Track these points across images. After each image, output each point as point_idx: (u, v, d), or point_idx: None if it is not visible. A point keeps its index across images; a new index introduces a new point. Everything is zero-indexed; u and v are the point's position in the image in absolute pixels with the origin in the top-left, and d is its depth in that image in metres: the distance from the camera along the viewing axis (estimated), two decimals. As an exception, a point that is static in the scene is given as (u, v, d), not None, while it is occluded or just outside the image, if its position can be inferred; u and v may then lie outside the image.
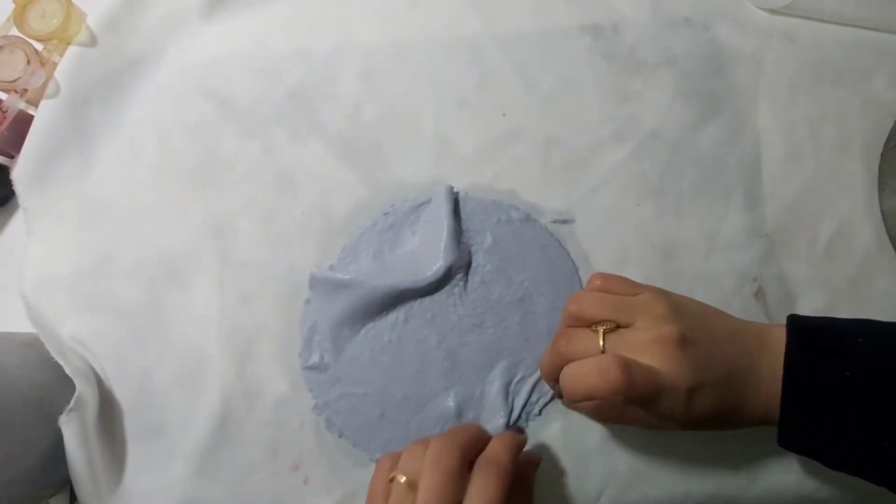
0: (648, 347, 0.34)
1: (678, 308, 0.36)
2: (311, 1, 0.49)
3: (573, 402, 0.37)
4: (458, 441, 0.35)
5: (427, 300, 0.43)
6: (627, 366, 0.33)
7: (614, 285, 0.38)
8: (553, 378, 0.38)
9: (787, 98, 0.47)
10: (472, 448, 0.35)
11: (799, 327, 0.35)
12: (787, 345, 0.34)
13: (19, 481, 0.39)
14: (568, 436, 0.43)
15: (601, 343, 0.35)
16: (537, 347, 0.43)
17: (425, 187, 0.45)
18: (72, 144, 0.46)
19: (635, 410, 0.35)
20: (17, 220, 0.47)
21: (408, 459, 0.35)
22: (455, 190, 0.45)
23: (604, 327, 0.36)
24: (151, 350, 0.44)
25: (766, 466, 0.42)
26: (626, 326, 0.36)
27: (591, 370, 0.34)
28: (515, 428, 0.42)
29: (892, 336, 0.35)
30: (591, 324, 0.37)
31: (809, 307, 0.44)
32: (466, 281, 0.44)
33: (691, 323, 0.35)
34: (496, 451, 0.35)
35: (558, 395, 0.41)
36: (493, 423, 0.42)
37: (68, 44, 0.46)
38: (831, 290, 0.44)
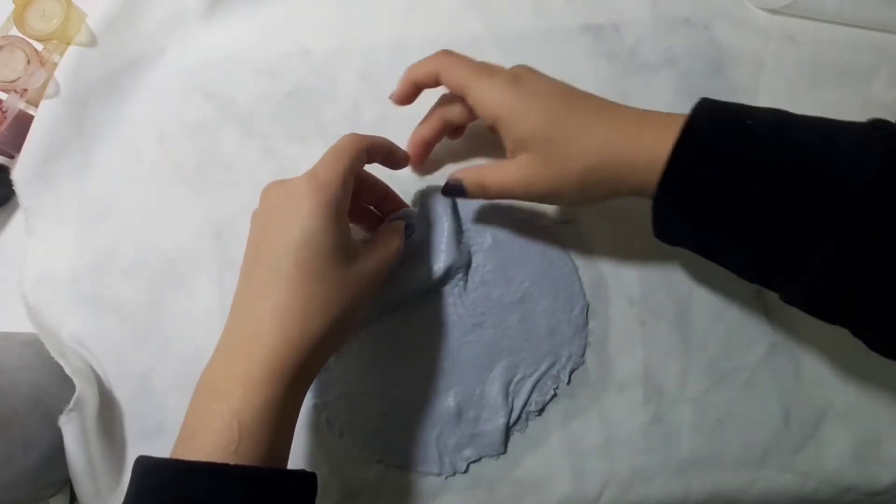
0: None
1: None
2: (311, 1, 0.49)
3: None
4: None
5: (427, 300, 0.43)
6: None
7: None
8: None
9: (787, 98, 0.47)
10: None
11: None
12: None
13: (19, 481, 0.39)
14: (568, 436, 0.43)
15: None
16: (537, 347, 0.43)
17: (425, 187, 0.45)
18: (72, 144, 0.46)
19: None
20: (17, 220, 0.47)
21: None
22: (455, 190, 0.45)
23: None
24: (151, 350, 0.44)
25: (766, 466, 0.42)
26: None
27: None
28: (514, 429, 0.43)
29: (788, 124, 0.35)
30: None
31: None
32: (466, 281, 0.43)
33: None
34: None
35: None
36: (493, 422, 0.42)
37: (68, 44, 0.46)
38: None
